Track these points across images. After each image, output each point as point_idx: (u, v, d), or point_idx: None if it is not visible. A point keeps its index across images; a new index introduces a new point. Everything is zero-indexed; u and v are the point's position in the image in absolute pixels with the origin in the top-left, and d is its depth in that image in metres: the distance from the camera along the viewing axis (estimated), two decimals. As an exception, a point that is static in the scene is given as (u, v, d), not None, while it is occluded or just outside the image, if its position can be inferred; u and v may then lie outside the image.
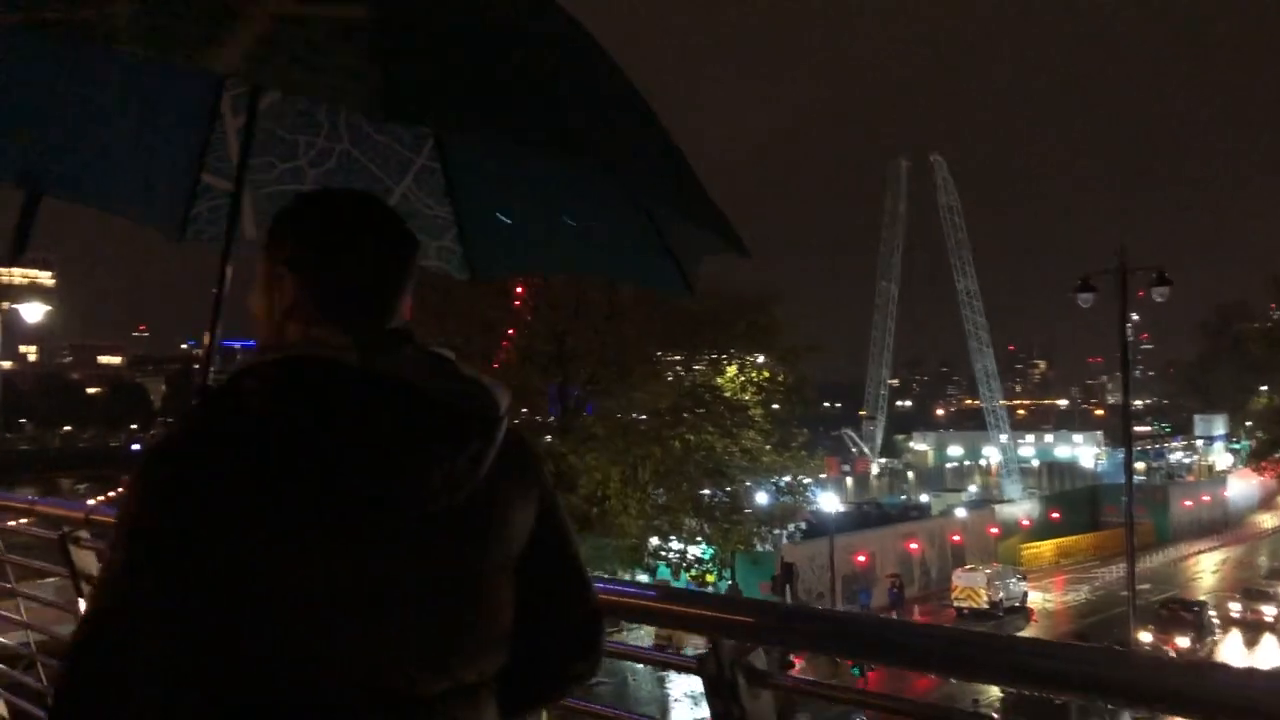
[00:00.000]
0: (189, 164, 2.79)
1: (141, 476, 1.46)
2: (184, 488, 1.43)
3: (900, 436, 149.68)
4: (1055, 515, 65.99)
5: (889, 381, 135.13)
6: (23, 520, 4.87)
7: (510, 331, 35.36)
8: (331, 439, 1.45)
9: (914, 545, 50.69)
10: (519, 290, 35.18)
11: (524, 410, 34.65)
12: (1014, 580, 47.66)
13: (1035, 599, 48.92)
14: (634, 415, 32.29)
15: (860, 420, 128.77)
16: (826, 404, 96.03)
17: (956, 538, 54.32)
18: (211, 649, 1.42)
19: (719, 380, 32.93)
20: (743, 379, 33.15)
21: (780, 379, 33.08)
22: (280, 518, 1.43)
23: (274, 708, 1.43)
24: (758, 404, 32.66)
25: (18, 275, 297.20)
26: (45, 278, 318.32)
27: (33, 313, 22.61)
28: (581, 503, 30.44)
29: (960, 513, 58.54)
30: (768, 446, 32.51)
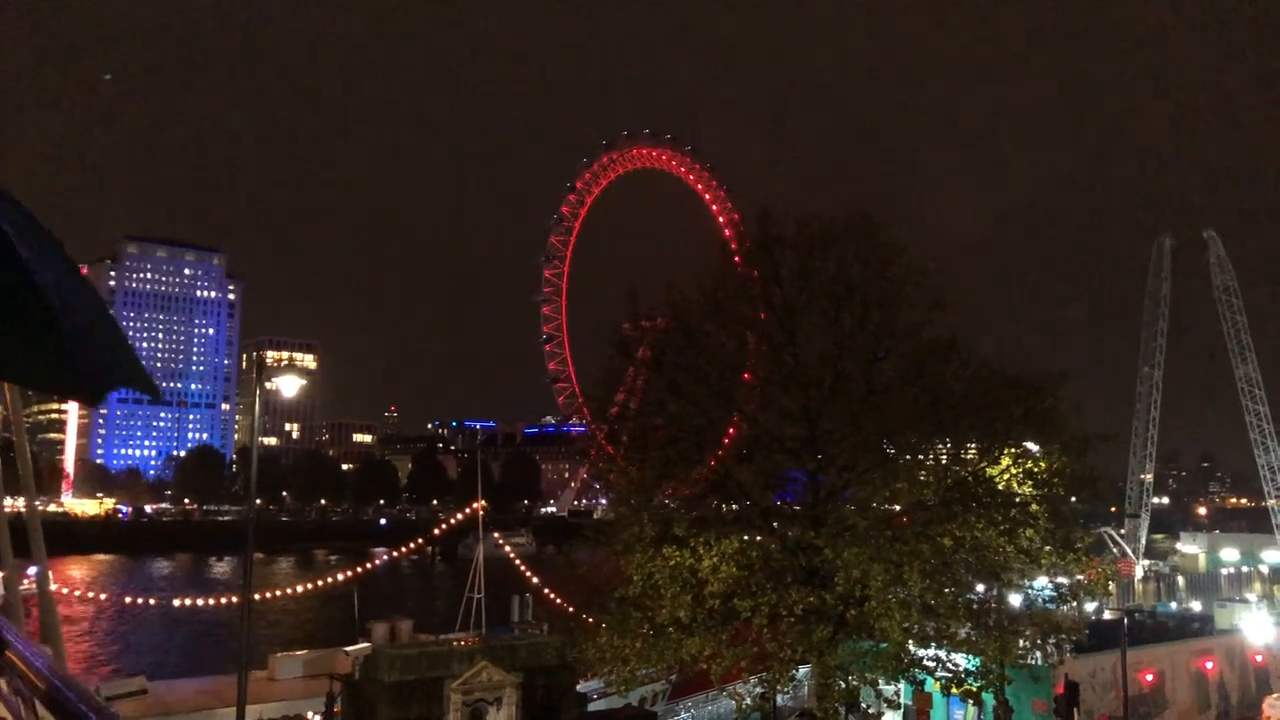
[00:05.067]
0: None
1: None
2: None
3: (1158, 536, 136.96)
4: (1374, 635, 57.53)
5: (1145, 476, 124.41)
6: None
7: (734, 417, 33.38)
8: None
9: (1209, 664, 44.51)
10: (745, 376, 33.21)
11: (773, 497, 32.40)
12: (1338, 713, 41.26)
13: (1366, 736, 42.10)
14: (896, 507, 29.33)
15: (1119, 518, 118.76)
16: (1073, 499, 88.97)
17: (1259, 658, 47.50)
18: None
19: (991, 471, 29.54)
20: (1018, 470, 29.64)
21: (1063, 470, 29.27)
22: None
23: None
24: (1035, 498, 29.00)
25: (285, 359, 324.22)
26: (308, 360, 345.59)
27: (290, 386, 22.67)
28: (837, 602, 27.70)
29: (1262, 629, 51.13)
30: (1047, 547, 28.70)
